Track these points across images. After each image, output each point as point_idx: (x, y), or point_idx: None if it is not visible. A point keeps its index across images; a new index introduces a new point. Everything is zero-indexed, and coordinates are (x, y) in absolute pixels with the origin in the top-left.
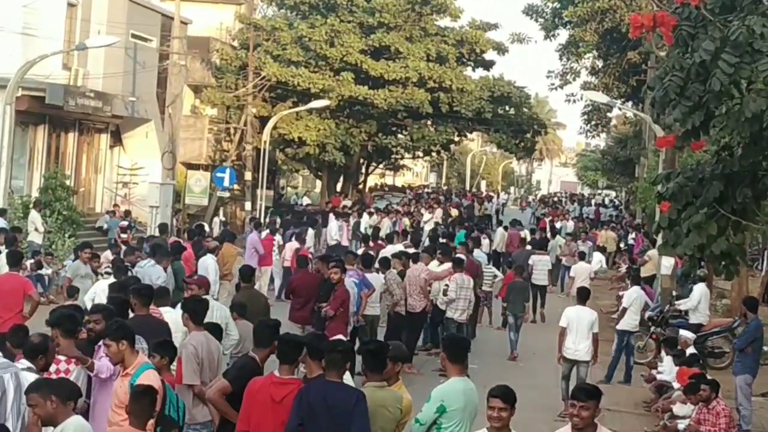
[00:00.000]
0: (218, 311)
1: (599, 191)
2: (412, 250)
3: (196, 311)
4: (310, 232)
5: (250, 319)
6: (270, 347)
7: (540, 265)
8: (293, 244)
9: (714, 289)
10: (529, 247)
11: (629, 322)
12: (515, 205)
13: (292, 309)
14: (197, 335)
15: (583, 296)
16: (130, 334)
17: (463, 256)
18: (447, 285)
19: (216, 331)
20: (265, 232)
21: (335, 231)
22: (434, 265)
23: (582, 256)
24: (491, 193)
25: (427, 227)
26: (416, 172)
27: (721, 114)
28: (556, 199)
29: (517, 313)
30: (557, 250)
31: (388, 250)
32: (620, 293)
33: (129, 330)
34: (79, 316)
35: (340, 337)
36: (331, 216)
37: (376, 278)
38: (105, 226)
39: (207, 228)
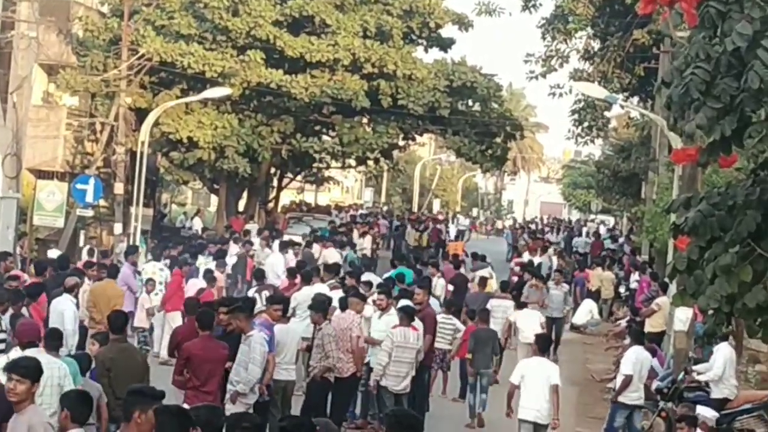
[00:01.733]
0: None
1: (592, 216)
2: (338, 293)
3: None
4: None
5: (119, 383)
6: None
7: (499, 311)
8: (198, 282)
9: (745, 352)
10: (494, 289)
11: (630, 394)
12: (482, 231)
13: (178, 372)
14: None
15: (543, 345)
16: None
17: (410, 302)
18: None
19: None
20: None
21: (280, 266)
22: (372, 315)
23: (521, 305)
24: (439, 216)
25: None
26: (347, 186)
27: (760, 120)
28: (533, 226)
29: (481, 369)
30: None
31: (304, 294)
32: (618, 355)
33: None
34: None
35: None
36: (232, 245)
37: (289, 330)
38: None
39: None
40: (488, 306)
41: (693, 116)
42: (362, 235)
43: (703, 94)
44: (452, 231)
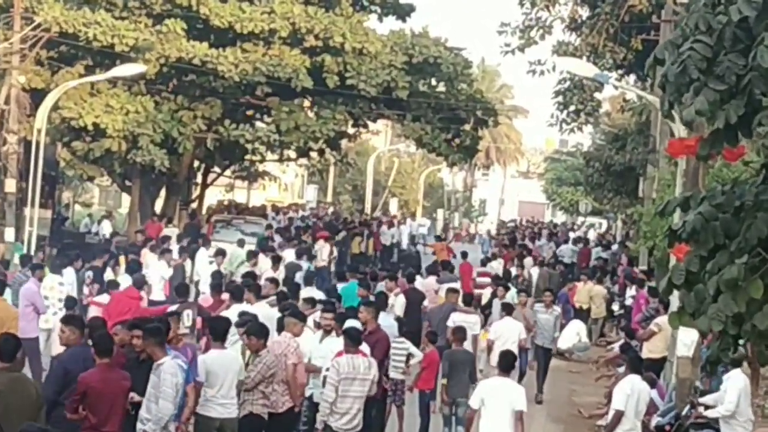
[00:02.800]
0: None
1: (580, 219)
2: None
3: None
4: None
5: (8, 420)
6: None
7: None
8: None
9: (762, 382)
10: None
11: (626, 430)
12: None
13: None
14: None
15: (507, 364)
16: None
17: (356, 324)
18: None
19: None
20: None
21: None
22: (308, 337)
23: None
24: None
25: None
26: (286, 183)
27: None
28: (507, 231)
29: (458, 398)
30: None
31: (232, 311)
32: (610, 385)
33: None
34: None
35: None
36: (147, 254)
37: (224, 358)
38: None
39: None
40: (450, 322)
41: (692, 100)
42: (315, 240)
43: (703, 73)
44: (404, 236)
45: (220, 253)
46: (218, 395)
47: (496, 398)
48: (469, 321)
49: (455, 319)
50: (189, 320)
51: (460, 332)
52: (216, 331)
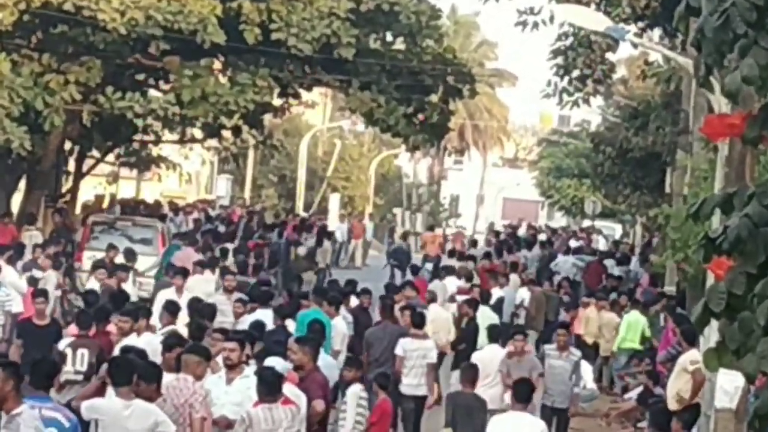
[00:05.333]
0: None
1: (586, 222)
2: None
3: None
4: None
5: None
6: None
7: (415, 358)
8: None
9: None
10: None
11: None
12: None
13: None
14: None
15: (524, 394)
16: None
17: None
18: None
19: None
20: None
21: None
22: (211, 380)
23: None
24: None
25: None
26: (189, 173)
27: None
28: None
29: None
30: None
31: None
32: None
33: None
34: None
35: None
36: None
37: (107, 407)
38: None
39: None
40: (400, 350)
41: (737, 63)
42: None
43: (753, 26)
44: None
45: (100, 265)
46: None
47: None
48: (424, 347)
49: (406, 347)
50: (84, 362)
51: (470, 371)
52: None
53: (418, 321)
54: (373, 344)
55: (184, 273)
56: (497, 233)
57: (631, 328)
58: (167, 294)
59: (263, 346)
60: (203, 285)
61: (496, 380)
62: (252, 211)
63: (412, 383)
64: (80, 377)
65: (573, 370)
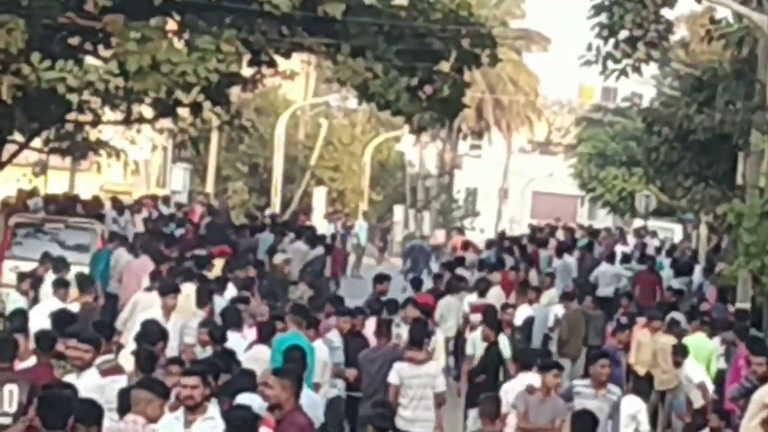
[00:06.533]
0: None
1: (637, 222)
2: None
3: None
4: None
5: None
6: None
7: (416, 387)
8: None
9: None
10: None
11: None
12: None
13: None
14: None
15: (586, 429)
16: None
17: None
18: None
19: None
20: None
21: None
22: (171, 422)
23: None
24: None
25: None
26: (136, 161)
27: None
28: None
29: None
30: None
31: None
32: None
33: None
34: None
35: None
36: None
37: None
38: None
39: None
40: (394, 377)
41: None
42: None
43: None
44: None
45: (29, 277)
46: None
47: None
48: (425, 374)
49: (402, 374)
50: (13, 401)
51: (490, 405)
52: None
53: (418, 336)
54: (363, 369)
55: (175, 290)
56: (512, 239)
57: (695, 355)
58: (150, 314)
59: (231, 378)
60: (186, 304)
61: None
62: (214, 210)
63: (409, 417)
64: (8, 420)
65: (611, 413)
